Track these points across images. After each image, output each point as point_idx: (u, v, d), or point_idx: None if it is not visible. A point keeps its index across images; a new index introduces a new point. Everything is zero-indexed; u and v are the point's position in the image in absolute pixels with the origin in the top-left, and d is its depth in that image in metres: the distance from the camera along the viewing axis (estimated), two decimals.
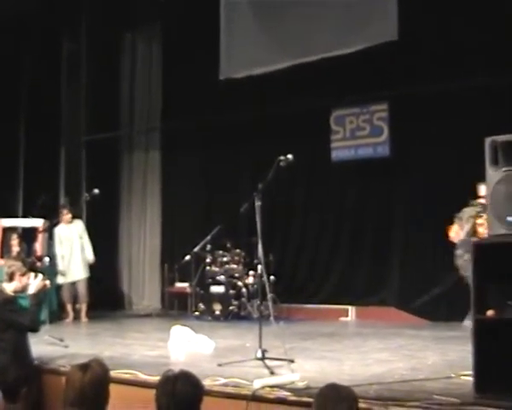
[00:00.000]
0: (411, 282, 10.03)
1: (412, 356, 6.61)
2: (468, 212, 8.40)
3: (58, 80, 12.97)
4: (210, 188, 12.09)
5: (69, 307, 10.93)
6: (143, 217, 13.22)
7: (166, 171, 12.90)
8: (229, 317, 10.42)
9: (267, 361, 5.85)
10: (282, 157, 6.42)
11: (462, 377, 5.11)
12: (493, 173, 4.63)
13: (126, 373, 5.66)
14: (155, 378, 4.62)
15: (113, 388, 3.85)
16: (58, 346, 7.53)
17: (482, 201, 8.30)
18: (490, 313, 4.46)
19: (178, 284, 11.80)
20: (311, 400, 3.61)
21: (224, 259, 10.94)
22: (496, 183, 4.59)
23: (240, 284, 10.64)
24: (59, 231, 10.84)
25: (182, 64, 12.17)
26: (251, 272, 10.71)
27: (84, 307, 10.93)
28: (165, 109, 12.81)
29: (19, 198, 12.44)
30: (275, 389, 4.92)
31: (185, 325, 7.97)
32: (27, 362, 6.10)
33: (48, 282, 6.66)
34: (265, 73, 10.43)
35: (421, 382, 5.17)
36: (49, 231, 10.59)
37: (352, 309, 10.52)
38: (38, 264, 9.94)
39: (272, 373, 5.53)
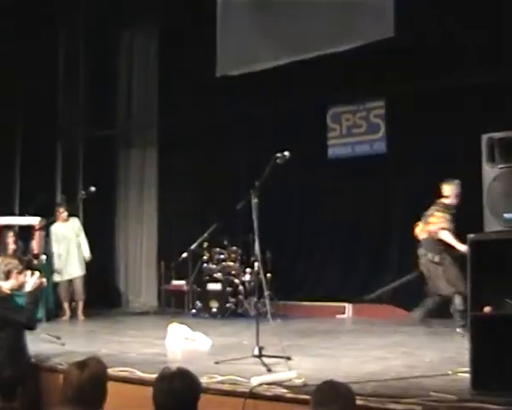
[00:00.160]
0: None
1: (409, 353, 6.61)
2: (430, 211, 8.44)
3: (55, 77, 12.94)
4: (207, 185, 12.07)
5: (66, 305, 10.91)
6: (140, 214, 13.21)
7: (163, 168, 12.89)
8: (226, 314, 10.42)
9: (264, 359, 5.85)
10: (278, 154, 6.42)
11: (459, 374, 5.11)
12: (490, 170, 4.65)
13: (123, 371, 5.65)
14: (152, 376, 4.62)
15: (110, 385, 3.85)
16: (55, 344, 7.51)
17: (444, 200, 8.36)
18: (486, 309, 4.47)
19: (175, 282, 11.79)
20: (308, 397, 3.61)
21: (221, 256, 10.94)
22: (492, 179, 4.60)
23: (237, 281, 10.64)
24: (55, 229, 10.83)
25: (179, 61, 12.15)
26: (248, 270, 10.71)
27: (80, 305, 10.91)
28: (163, 106, 12.79)
29: (15, 196, 12.42)
30: (272, 386, 4.93)
31: (182, 323, 7.97)
32: (24, 360, 6.10)
33: (44, 280, 6.65)
34: (262, 70, 10.41)
35: (418, 379, 5.18)
36: (46, 229, 10.58)
37: (348, 306, 10.52)
38: (35, 262, 9.96)
39: (269, 371, 5.54)
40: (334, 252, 10.88)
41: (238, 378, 5.17)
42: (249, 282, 10.59)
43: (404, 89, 9.80)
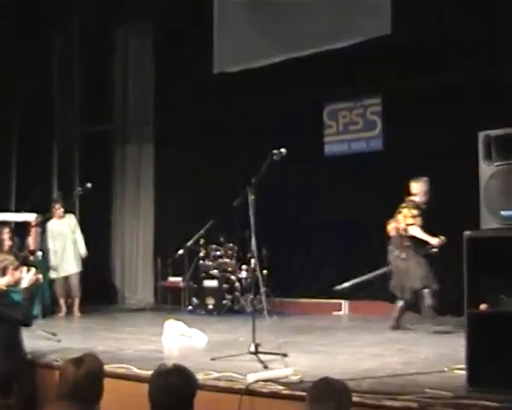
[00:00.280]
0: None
1: (405, 350, 6.63)
2: (400, 208, 8.49)
3: (51, 74, 12.92)
4: (203, 182, 12.06)
5: (62, 302, 10.91)
6: (136, 211, 13.21)
7: (160, 165, 12.88)
8: (223, 311, 10.43)
9: (260, 355, 5.85)
10: (275, 151, 6.42)
11: (455, 371, 5.13)
12: (486, 168, 4.65)
13: (120, 368, 5.65)
14: (148, 373, 4.62)
15: (106, 382, 3.85)
16: (51, 340, 7.51)
17: (413, 198, 8.40)
18: (483, 306, 4.48)
19: (171, 279, 11.79)
20: (304, 394, 3.61)
21: (218, 253, 10.94)
22: (489, 177, 4.60)
23: (233, 278, 10.65)
24: (51, 225, 10.82)
25: (174, 58, 12.14)
26: (244, 267, 10.71)
27: (76, 302, 10.91)
28: (159, 103, 12.78)
29: (11, 192, 12.40)
30: (268, 383, 4.93)
31: (178, 320, 7.97)
32: (20, 357, 6.09)
33: (40, 276, 6.65)
34: (259, 66, 10.42)
35: (414, 376, 5.19)
36: (42, 225, 10.57)
37: (345, 303, 10.53)
38: (31, 258, 9.95)
39: (265, 367, 5.54)
40: (331, 249, 10.88)
41: (234, 375, 5.17)
42: (245, 279, 10.60)
43: (401, 86, 9.79)
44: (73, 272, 10.90)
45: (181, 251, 10.38)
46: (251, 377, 4.99)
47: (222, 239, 10.99)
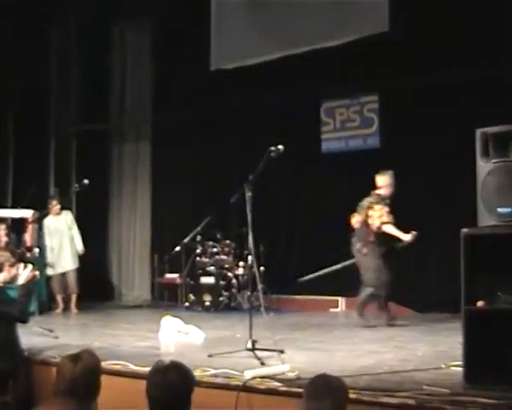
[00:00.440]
0: (400, 273, 10.03)
1: (402, 347, 6.63)
2: (365, 202, 8.51)
3: (47, 71, 12.90)
4: (200, 179, 12.07)
5: (59, 298, 10.91)
6: (133, 208, 13.20)
7: (157, 162, 12.87)
8: (220, 308, 10.43)
9: (257, 352, 5.86)
10: (272, 148, 6.42)
11: (452, 368, 5.13)
12: (484, 165, 4.64)
13: (117, 364, 5.65)
14: (146, 369, 4.63)
15: (103, 379, 3.85)
16: (48, 337, 7.51)
17: (379, 192, 8.43)
18: (480, 303, 4.48)
19: (168, 275, 11.80)
20: (301, 390, 3.61)
21: (214, 250, 10.94)
22: (486, 174, 4.60)
23: (230, 274, 10.65)
24: (48, 222, 10.81)
25: (172, 55, 12.13)
26: (241, 263, 10.72)
27: (73, 298, 10.91)
28: (156, 100, 12.77)
29: (8, 189, 12.39)
30: (265, 379, 4.93)
31: (175, 316, 7.98)
32: (16, 353, 6.09)
33: (37, 273, 6.64)
34: (256, 64, 10.41)
35: (411, 372, 5.19)
36: (39, 222, 10.55)
37: (342, 300, 10.54)
38: (28, 255, 9.94)
39: (262, 364, 5.54)
40: (328, 246, 10.87)
41: (231, 372, 5.17)
42: (242, 275, 10.60)
43: (399, 83, 9.79)
44: (70, 268, 10.90)
45: (178, 248, 10.36)
46: (248, 374, 5.00)
47: (219, 236, 10.99)
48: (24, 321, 6.09)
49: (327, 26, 9.95)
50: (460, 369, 4.60)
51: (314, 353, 6.41)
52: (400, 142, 10.04)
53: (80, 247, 10.95)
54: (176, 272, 11.49)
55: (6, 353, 5.89)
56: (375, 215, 8.33)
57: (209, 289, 10.58)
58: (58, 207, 10.86)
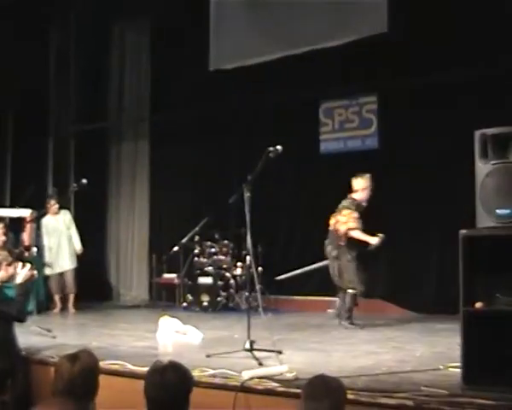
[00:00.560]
0: (398, 274, 10.05)
1: (400, 348, 6.63)
2: (340, 205, 8.59)
3: (46, 70, 12.89)
4: (199, 179, 12.06)
5: (57, 298, 10.90)
6: (132, 208, 13.19)
7: (155, 162, 12.87)
8: (218, 308, 10.43)
9: (255, 352, 5.86)
10: (271, 148, 6.42)
11: (450, 369, 5.14)
12: (482, 166, 4.65)
13: (115, 364, 5.65)
14: (144, 369, 4.62)
15: (101, 378, 3.85)
16: (46, 337, 7.51)
17: (354, 195, 8.46)
18: (478, 304, 4.48)
19: (166, 275, 11.79)
20: (299, 391, 3.61)
21: (212, 250, 10.94)
22: (485, 176, 4.60)
23: (228, 275, 10.65)
24: (46, 222, 10.81)
25: (171, 54, 12.12)
26: (239, 264, 10.72)
27: (71, 298, 10.91)
28: (155, 100, 12.77)
29: (6, 188, 12.38)
30: (263, 380, 4.93)
31: (173, 316, 7.97)
32: (14, 353, 6.08)
33: (35, 272, 6.63)
34: (255, 64, 10.41)
35: (409, 373, 5.20)
36: (37, 221, 10.54)
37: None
38: (26, 254, 9.92)
39: (260, 364, 5.54)
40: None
41: (229, 372, 5.17)
42: (240, 276, 10.60)
43: (397, 84, 9.79)
44: (68, 268, 10.90)
45: (176, 248, 10.35)
46: (246, 374, 5.00)
47: (217, 236, 10.99)
48: (21, 320, 6.08)
49: (326, 26, 9.95)
50: (458, 370, 4.60)
51: (312, 353, 6.41)
52: (399, 143, 10.04)
53: (78, 247, 10.95)
54: (174, 273, 11.48)
55: (3, 352, 5.88)
56: (342, 221, 8.40)
57: (207, 289, 10.58)
58: (56, 206, 10.86)
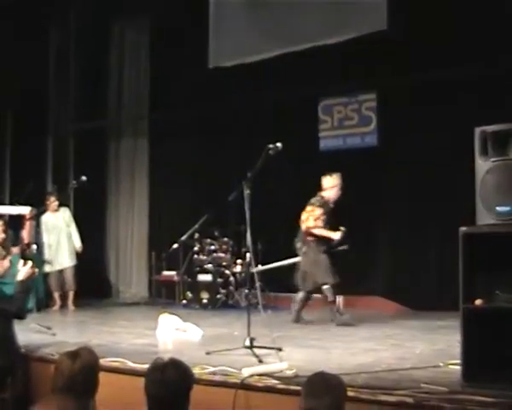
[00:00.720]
0: (398, 271, 10.06)
1: (400, 345, 6.64)
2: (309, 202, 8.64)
3: (46, 67, 12.89)
4: (198, 177, 12.06)
5: (56, 295, 10.89)
6: (131, 205, 13.19)
7: (154, 159, 12.87)
8: (217, 305, 10.43)
9: (255, 350, 5.86)
10: (270, 145, 6.43)
11: (450, 366, 5.14)
12: (482, 163, 4.65)
13: (115, 361, 5.65)
14: (144, 366, 4.63)
15: (101, 376, 3.85)
16: (45, 334, 7.51)
17: (323, 194, 8.49)
18: (478, 302, 4.48)
19: (166, 273, 11.79)
20: (299, 388, 3.61)
21: (212, 247, 10.93)
22: (485, 173, 4.61)
23: (227, 272, 10.65)
24: (45, 219, 10.80)
25: (170, 52, 12.11)
26: (239, 261, 10.71)
27: (70, 295, 10.90)
28: (154, 98, 12.76)
29: (5, 185, 12.38)
30: (263, 377, 4.93)
31: (173, 314, 7.97)
32: (13, 350, 6.07)
33: (36, 270, 6.63)
34: (254, 61, 10.41)
35: (409, 371, 5.19)
36: (37, 218, 10.54)
37: (339, 298, 10.50)
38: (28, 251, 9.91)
39: (260, 362, 5.54)
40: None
41: (229, 369, 5.17)
42: (240, 273, 10.60)
43: (397, 82, 9.79)
44: (68, 265, 10.90)
45: (175, 245, 10.36)
46: (246, 372, 5.00)
47: (217, 234, 10.98)
48: (21, 318, 6.07)
49: (325, 24, 9.94)
50: (458, 367, 4.60)
51: (311, 350, 6.41)
52: (398, 140, 10.04)
53: (78, 244, 10.94)
54: (173, 270, 11.49)
55: (3, 350, 5.87)
56: (303, 218, 8.45)
57: (207, 286, 10.58)
58: (56, 203, 10.85)
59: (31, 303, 8.58)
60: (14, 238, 10.21)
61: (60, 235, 10.84)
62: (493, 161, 4.59)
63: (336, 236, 8.40)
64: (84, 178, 8.55)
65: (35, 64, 12.17)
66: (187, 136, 12.03)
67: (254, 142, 8.93)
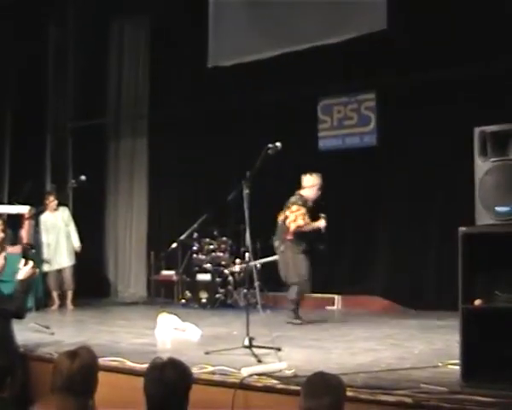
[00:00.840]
0: (397, 271, 10.06)
1: (399, 345, 6.63)
2: (289, 201, 8.67)
3: (45, 66, 12.88)
4: (197, 176, 12.06)
5: (55, 295, 10.89)
6: (130, 204, 13.19)
7: (153, 158, 12.87)
8: (216, 305, 10.43)
9: (254, 349, 5.86)
10: (270, 145, 6.43)
11: (450, 366, 5.14)
12: (482, 164, 4.64)
13: (113, 361, 5.64)
14: (143, 366, 4.63)
15: (100, 375, 3.83)
16: (44, 333, 7.51)
17: (302, 192, 8.50)
18: (477, 302, 4.48)
19: (165, 272, 11.80)
20: (298, 388, 3.61)
21: (211, 247, 10.93)
22: (484, 173, 4.60)
23: (226, 272, 10.65)
24: (44, 218, 10.79)
25: (170, 51, 12.12)
26: (237, 260, 10.71)
27: (69, 295, 10.89)
28: (153, 96, 12.76)
29: (4, 184, 12.37)
30: (262, 377, 4.92)
31: (172, 313, 7.96)
32: (11, 349, 6.06)
33: (37, 270, 6.62)
34: (254, 61, 10.41)
35: (408, 371, 5.19)
36: (35, 218, 10.53)
37: (338, 298, 10.54)
38: (33, 251, 9.89)
39: (259, 361, 5.54)
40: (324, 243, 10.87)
41: (228, 369, 5.16)
42: (239, 273, 10.59)
43: (396, 82, 9.79)
44: (67, 265, 10.89)
45: (174, 245, 10.34)
46: (245, 371, 4.99)
47: (215, 233, 10.98)
48: (20, 317, 6.06)
49: (325, 23, 9.94)
50: (457, 367, 4.59)
51: (310, 350, 6.41)
52: (397, 140, 10.05)
53: (77, 243, 10.94)
54: (172, 269, 11.49)
55: (1, 349, 5.86)
56: (291, 219, 8.49)
57: (205, 286, 10.58)
58: (55, 203, 10.84)
59: (30, 302, 8.57)
60: (13, 237, 10.22)
61: (59, 234, 10.83)
62: (493, 162, 4.58)
63: (322, 223, 8.48)
64: (83, 177, 8.53)
65: (34, 62, 12.17)
66: (186, 135, 12.03)
67: (253, 141, 8.91)
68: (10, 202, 11.33)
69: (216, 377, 5.06)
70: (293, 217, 8.47)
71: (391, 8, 9.21)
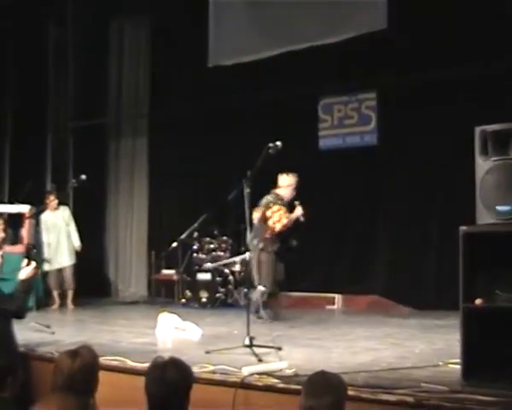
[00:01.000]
0: (397, 270, 10.06)
1: (399, 344, 6.64)
2: (265, 200, 8.66)
3: (45, 66, 12.88)
4: (198, 175, 12.05)
5: (55, 294, 10.89)
6: (130, 204, 13.18)
7: (154, 158, 12.86)
8: (216, 304, 10.43)
9: (255, 349, 5.86)
10: (270, 144, 6.43)
11: (450, 366, 5.14)
12: (482, 163, 4.65)
13: (114, 360, 5.64)
14: (144, 365, 4.63)
15: (101, 375, 3.83)
16: (45, 333, 7.51)
17: (278, 191, 8.51)
18: (478, 301, 4.48)
19: (165, 272, 11.80)
20: (299, 387, 3.61)
21: (211, 246, 10.94)
22: (485, 173, 4.60)
23: (227, 271, 10.65)
24: (45, 218, 10.80)
25: (170, 51, 12.11)
26: (237, 260, 10.70)
27: (70, 294, 10.90)
28: (153, 96, 12.75)
29: (5, 184, 12.37)
30: (263, 376, 4.93)
31: (172, 313, 7.96)
32: (12, 349, 6.06)
33: (39, 270, 6.63)
34: (254, 61, 10.40)
35: (409, 370, 5.20)
36: (36, 217, 10.53)
37: (338, 297, 10.54)
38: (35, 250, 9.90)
39: (260, 361, 5.54)
40: (324, 243, 10.88)
41: (229, 368, 5.16)
42: (239, 272, 10.59)
43: (397, 81, 9.79)
44: (67, 264, 10.89)
45: (174, 244, 10.36)
46: (246, 371, 5.00)
47: (216, 232, 10.99)
48: (21, 317, 6.06)
49: (325, 23, 9.93)
50: (458, 366, 4.60)
51: (311, 350, 6.41)
52: (398, 139, 10.04)
53: (77, 243, 10.94)
54: (172, 269, 11.49)
55: (2, 349, 5.86)
56: (274, 219, 8.54)
57: (206, 285, 10.58)
58: (55, 202, 10.85)
59: (31, 302, 8.57)
60: (14, 237, 10.22)
61: (59, 234, 10.83)
62: (493, 161, 4.59)
63: (298, 211, 8.56)
64: (83, 177, 8.54)
65: (34, 61, 12.17)
66: (186, 135, 12.03)
67: (254, 141, 8.92)
68: (11, 202, 11.33)
69: (217, 377, 5.06)
70: (278, 217, 8.48)
71: (391, 8, 9.20)
